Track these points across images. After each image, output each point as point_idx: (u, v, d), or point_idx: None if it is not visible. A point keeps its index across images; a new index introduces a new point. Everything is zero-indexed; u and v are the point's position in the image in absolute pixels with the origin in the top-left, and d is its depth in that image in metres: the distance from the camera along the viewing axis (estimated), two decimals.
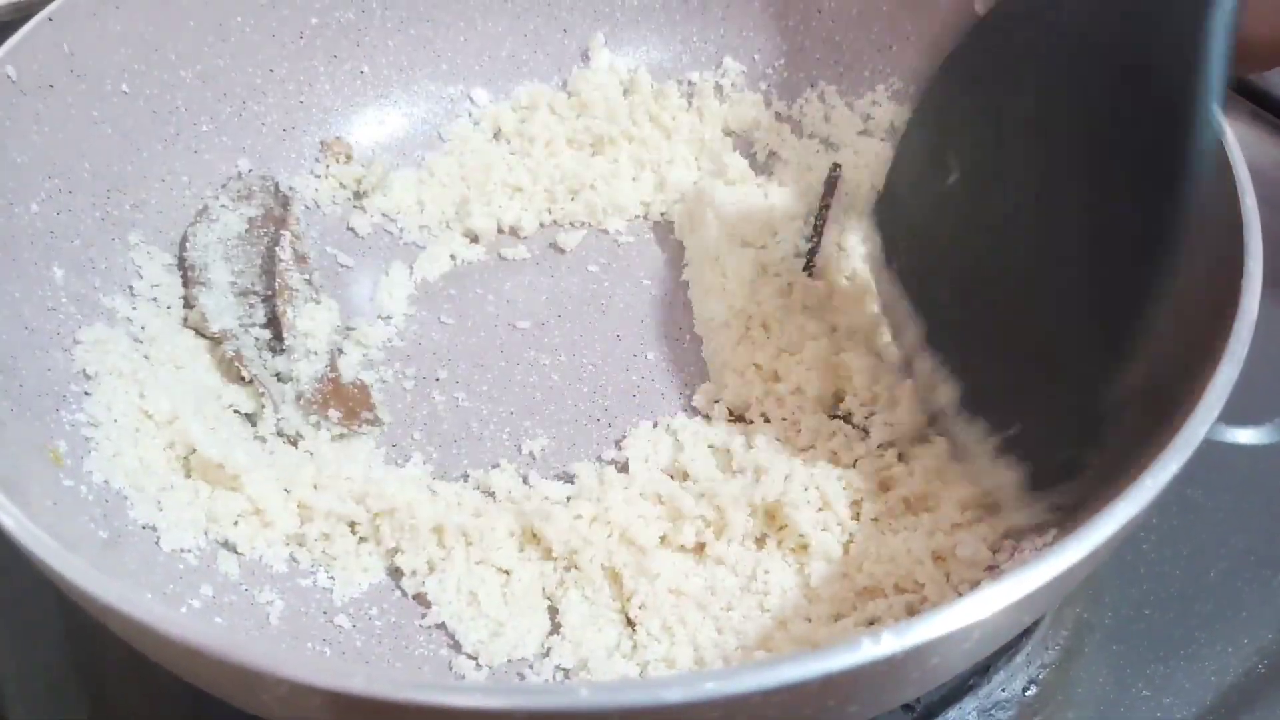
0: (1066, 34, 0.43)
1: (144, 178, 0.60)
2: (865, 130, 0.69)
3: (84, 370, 0.52)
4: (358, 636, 0.49)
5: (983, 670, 0.49)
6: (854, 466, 0.53)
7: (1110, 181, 0.41)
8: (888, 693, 0.37)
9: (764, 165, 0.69)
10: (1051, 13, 0.44)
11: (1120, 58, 0.41)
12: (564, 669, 0.47)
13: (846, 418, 0.56)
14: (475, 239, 0.66)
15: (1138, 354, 0.40)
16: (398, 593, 0.50)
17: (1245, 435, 0.57)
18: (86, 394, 0.52)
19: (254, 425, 0.55)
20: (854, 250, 0.62)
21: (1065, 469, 0.43)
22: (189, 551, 0.49)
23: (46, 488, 0.46)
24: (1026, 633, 0.50)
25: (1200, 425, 0.37)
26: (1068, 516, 0.43)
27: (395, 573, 0.51)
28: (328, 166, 0.66)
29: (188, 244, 0.59)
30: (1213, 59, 0.37)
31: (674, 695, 0.30)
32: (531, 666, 0.47)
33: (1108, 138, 0.41)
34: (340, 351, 0.58)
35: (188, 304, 0.58)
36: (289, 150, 0.66)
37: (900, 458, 0.53)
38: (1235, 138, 0.47)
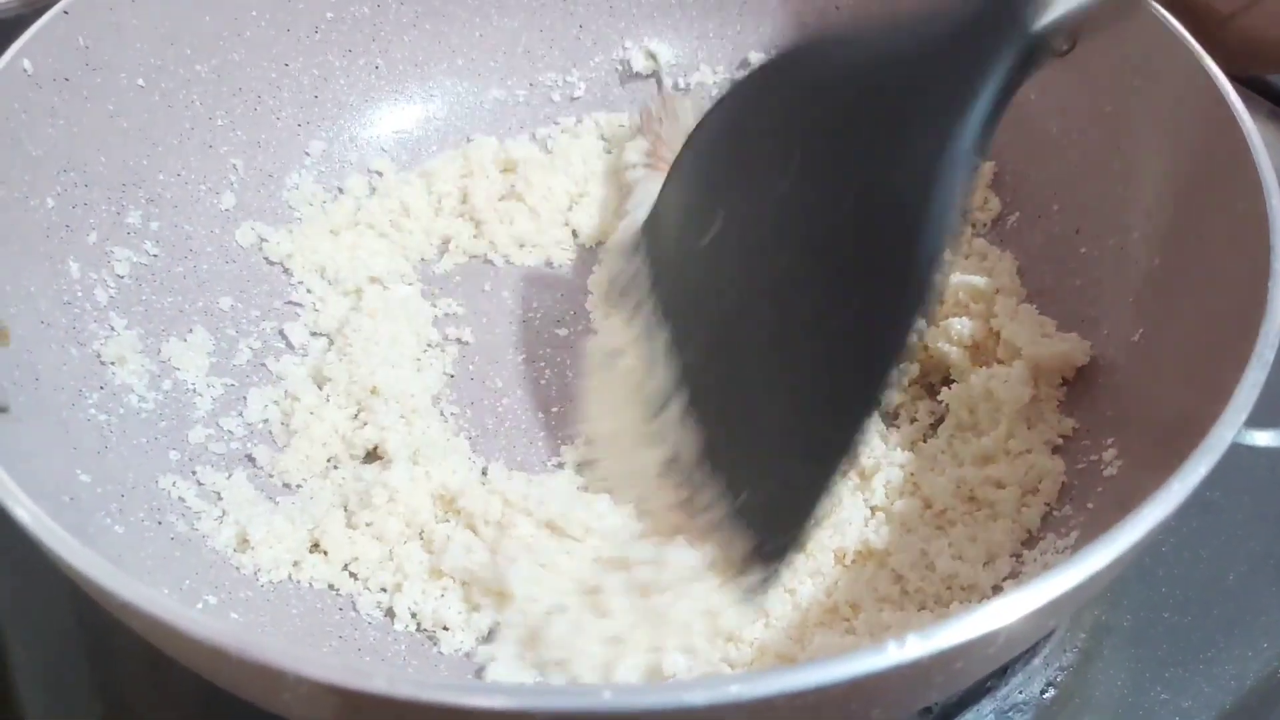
0: (829, 107, 0.42)
1: (158, 172, 0.59)
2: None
3: (99, 358, 0.52)
4: (374, 633, 0.49)
5: (1000, 673, 0.49)
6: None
7: (846, 273, 0.40)
8: (911, 697, 0.37)
9: None
10: (820, 77, 0.43)
11: (872, 149, 0.40)
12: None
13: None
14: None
15: (853, 451, 0.39)
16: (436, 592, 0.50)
17: (1264, 438, 0.57)
18: (102, 388, 0.52)
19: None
20: None
21: (773, 553, 0.42)
22: (206, 548, 0.49)
23: (63, 483, 0.45)
24: (1045, 636, 0.50)
25: (1228, 429, 0.37)
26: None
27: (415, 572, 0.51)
28: None
29: None
30: (943, 186, 0.37)
31: (697, 698, 0.30)
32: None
33: (851, 226, 0.40)
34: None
35: None
36: (303, 146, 0.66)
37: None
38: (1261, 139, 0.47)
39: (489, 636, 0.48)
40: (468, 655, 0.48)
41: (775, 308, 0.43)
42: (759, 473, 0.43)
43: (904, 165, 0.38)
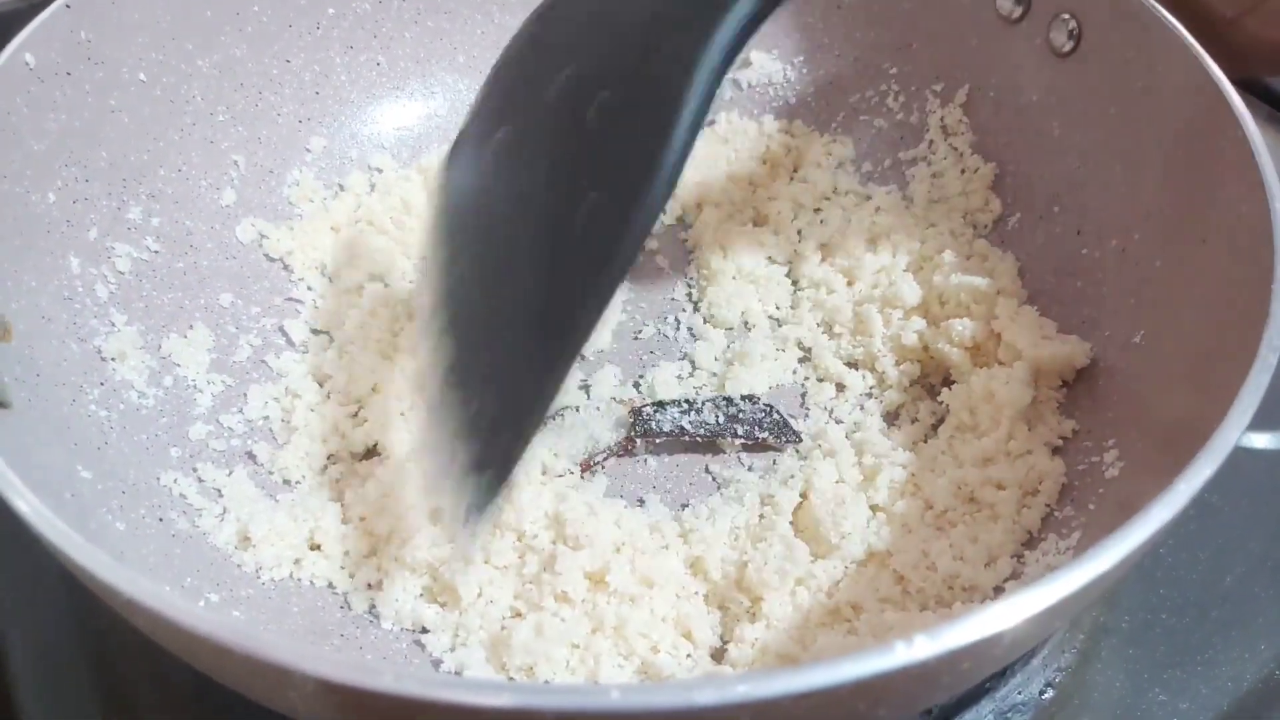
0: (599, 25, 0.46)
1: (159, 167, 0.59)
2: (883, 128, 0.69)
3: (100, 354, 0.52)
4: (373, 632, 0.49)
5: (1000, 673, 0.49)
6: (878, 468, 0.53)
7: (593, 175, 0.42)
8: (917, 697, 0.37)
9: (778, 159, 0.69)
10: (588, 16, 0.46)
11: (631, 53, 0.43)
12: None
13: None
14: None
15: (561, 372, 0.40)
16: (416, 589, 0.50)
17: (1263, 440, 0.57)
18: (102, 384, 0.52)
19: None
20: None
21: (488, 462, 0.42)
22: (207, 545, 0.49)
23: (65, 478, 0.45)
24: (1045, 637, 0.50)
25: (1232, 431, 0.37)
26: None
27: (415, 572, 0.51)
28: None
29: None
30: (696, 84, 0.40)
31: (705, 698, 0.30)
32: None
33: (603, 127, 0.42)
34: None
35: None
36: (304, 142, 0.66)
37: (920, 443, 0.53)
38: (1264, 143, 0.47)
39: (455, 642, 0.48)
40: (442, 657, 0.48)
41: (532, 214, 0.44)
42: (493, 382, 0.44)
43: (661, 65, 0.41)
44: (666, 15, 0.43)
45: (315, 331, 0.61)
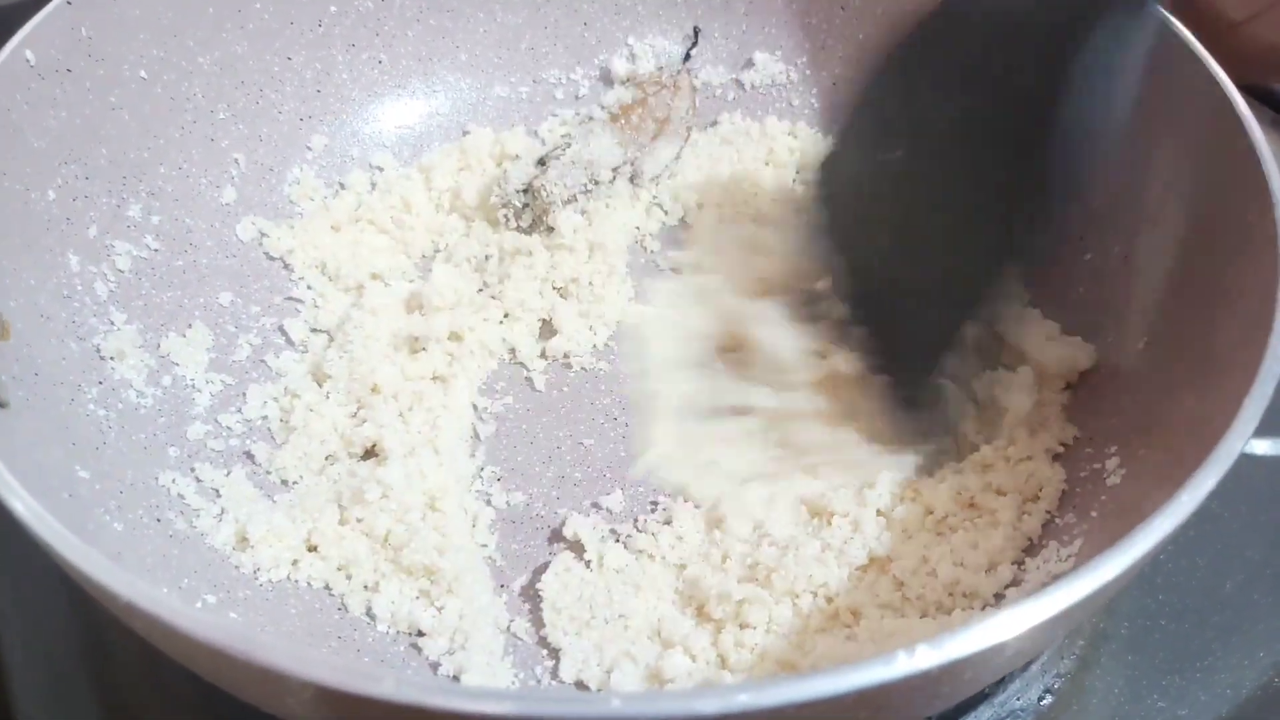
0: (989, 50, 0.50)
1: (159, 164, 0.59)
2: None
3: (99, 353, 0.52)
4: (371, 635, 0.49)
5: (999, 680, 0.49)
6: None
7: (993, 180, 0.49)
8: (918, 705, 0.37)
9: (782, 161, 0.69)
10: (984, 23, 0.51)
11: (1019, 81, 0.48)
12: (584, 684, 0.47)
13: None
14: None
15: (981, 308, 0.52)
16: (413, 591, 0.50)
17: (1263, 446, 0.57)
18: (101, 383, 0.51)
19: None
20: None
21: (919, 393, 0.52)
22: (204, 546, 0.49)
23: (63, 478, 0.45)
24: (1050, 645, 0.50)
25: (1237, 440, 0.37)
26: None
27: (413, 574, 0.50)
28: None
29: None
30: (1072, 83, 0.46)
31: (707, 707, 0.30)
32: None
33: (1008, 151, 0.49)
34: None
35: None
36: (305, 140, 0.66)
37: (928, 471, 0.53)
38: (1270, 149, 0.47)
39: (453, 645, 0.48)
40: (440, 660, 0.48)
41: (931, 197, 0.52)
42: (899, 328, 0.53)
43: (1037, 71, 0.47)
44: (1031, 31, 0.47)
45: (315, 331, 0.60)
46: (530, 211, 0.63)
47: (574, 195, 0.64)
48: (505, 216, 0.64)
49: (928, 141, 0.52)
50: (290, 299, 0.61)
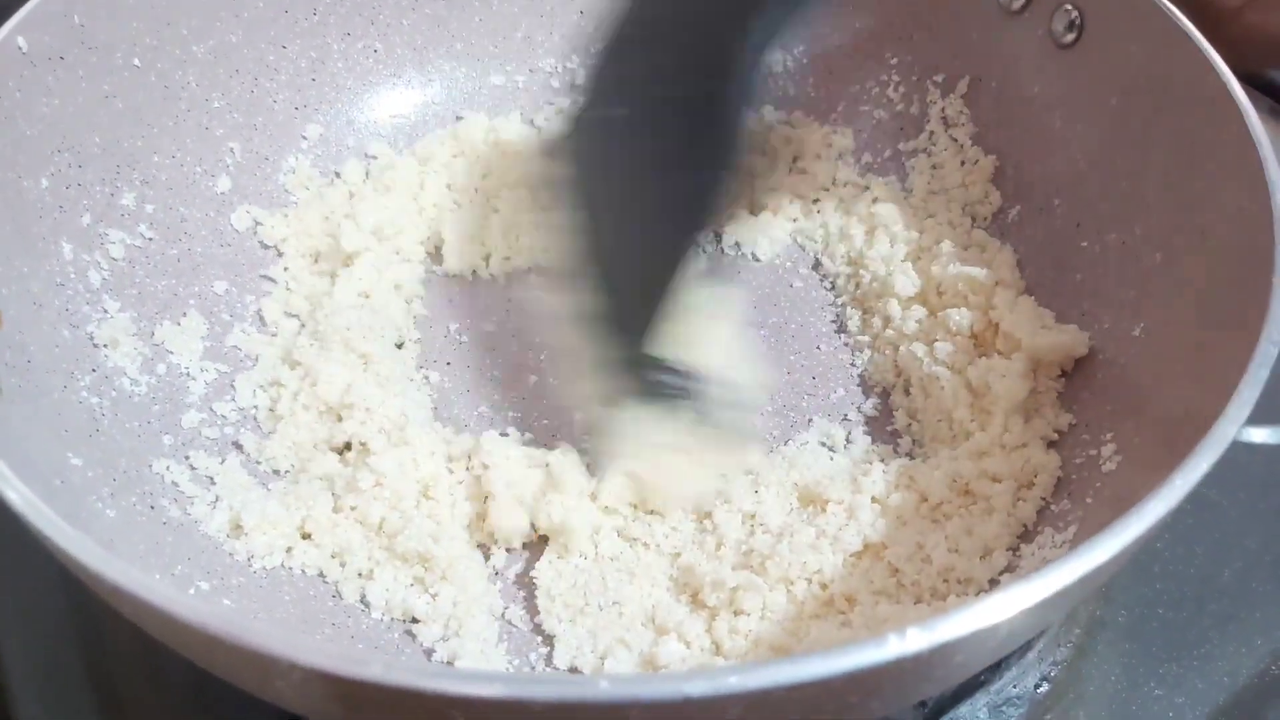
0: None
1: (154, 153, 0.59)
2: (883, 119, 0.68)
3: (92, 341, 0.52)
4: (365, 621, 0.49)
5: (994, 667, 0.49)
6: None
7: (683, 139, 0.53)
8: (910, 689, 0.36)
9: (778, 150, 0.69)
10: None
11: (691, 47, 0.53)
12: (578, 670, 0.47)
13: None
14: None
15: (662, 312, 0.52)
16: (406, 578, 0.50)
17: (1261, 434, 0.57)
18: (94, 370, 0.51)
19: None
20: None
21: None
22: (198, 533, 0.49)
23: (55, 466, 0.45)
24: (1040, 630, 0.50)
25: (1230, 425, 0.37)
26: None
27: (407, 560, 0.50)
28: None
29: None
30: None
31: (696, 689, 0.30)
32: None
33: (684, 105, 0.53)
34: None
35: None
36: (300, 129, 0.65)
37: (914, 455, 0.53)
38: (1266, 137, 0.46)
39: (447, 632, 0.48)
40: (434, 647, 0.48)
41: (646, 182, 0.55)
42: (638, 314, 0.54)
43: (711, 60, 0.52)
44: (711, 17, 0.52)
45: (306, 319, 0.60)
46: None
47: None
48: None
49: (644, 105, 0.55)
50: (284, 287, 0.61)
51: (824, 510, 0.50)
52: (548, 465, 0.52)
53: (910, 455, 0.55)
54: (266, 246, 0.62)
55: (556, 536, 0.50)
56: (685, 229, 0.54)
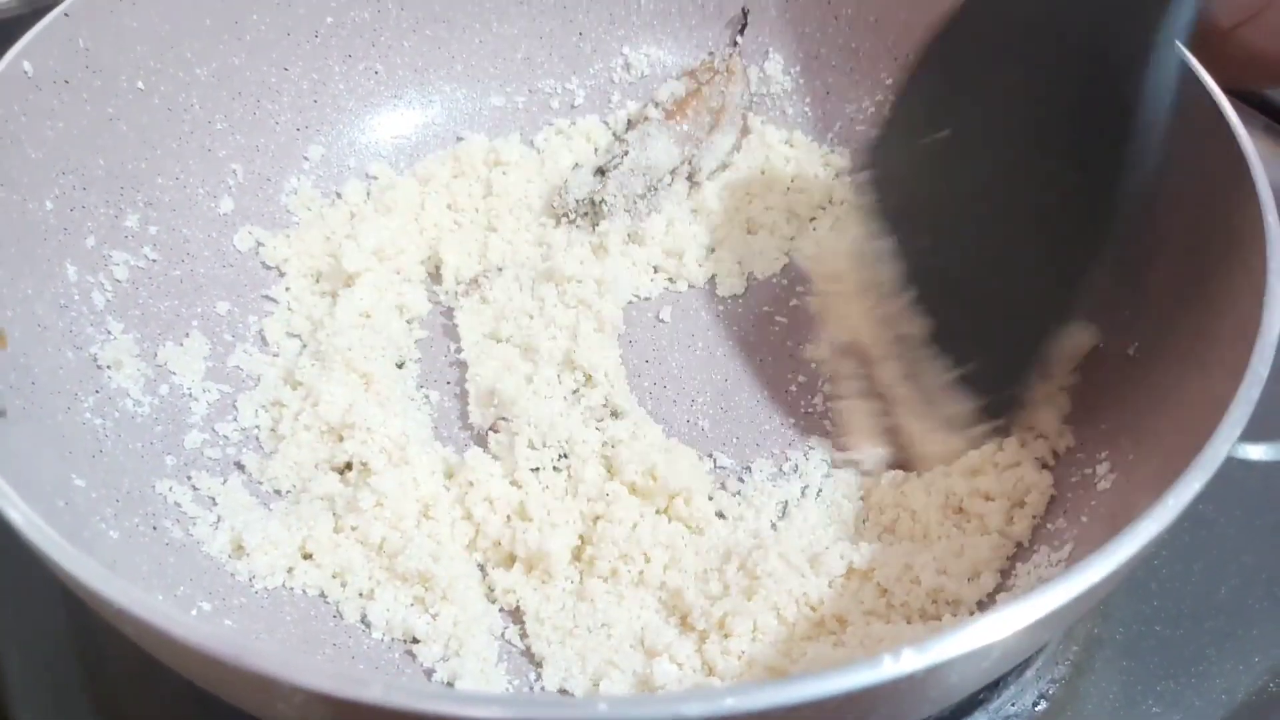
0: (1037, 22, 0.49)
1: (157, 175, 0.59)
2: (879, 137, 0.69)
3: (95, 362, 0.52)
4: (366, 641, 0.49)
5: (993, 685, 0.49)
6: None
7: (1063, 155, 0.48)
8: (905, 710, 0.37)
9: (776, 170, 0.69)
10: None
11: (1078, 45, 0.47)
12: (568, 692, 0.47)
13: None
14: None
15: (1073, 311, 0.48)
16: (407, 598, 0.50)
17: (1257, 451, 0.57)
18: (98, 391, 0.52)
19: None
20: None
21: (1004, 405, 0.51)
22: (200, 554, 0.49)
23: (59, 487, 0.45)
24: (1038, 649, 0.50)
25: (1222, 444, 0.37)
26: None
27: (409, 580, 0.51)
28: None
29: None
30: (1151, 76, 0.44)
31: (693, 710, 0.30)
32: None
33: (1066, 118, 0.47)
34: None
35: None
36: (302, 150, 0.66)
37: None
38: (1259, 156, 0.47)
39: (447, 652, 0.48)
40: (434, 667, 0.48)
41: (996, 200, 0.51)
42: (985, 343, 0.51)
43: (1111, 62, 0.45)
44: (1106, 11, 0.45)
45: (308, 339, 0.60)
46: (590, 219, 0.64)
47: (633, 202, 0.65)
48: (563, 220, 0.65)
49: (975, 124, 0.52)
50: (285, 308, 0.62)
51: (811, 531, 0.51)
52: (523, 490, 0.52)
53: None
54: (268, 267, 0.63)
55: (537, 562, 0.50)
56: (1075, 249, 0.47)
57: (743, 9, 0.71)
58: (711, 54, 0.71)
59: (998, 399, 0.50)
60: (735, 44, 0.70)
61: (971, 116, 0.52)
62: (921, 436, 0.54)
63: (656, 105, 0.69)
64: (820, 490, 0.54)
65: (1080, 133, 0.47)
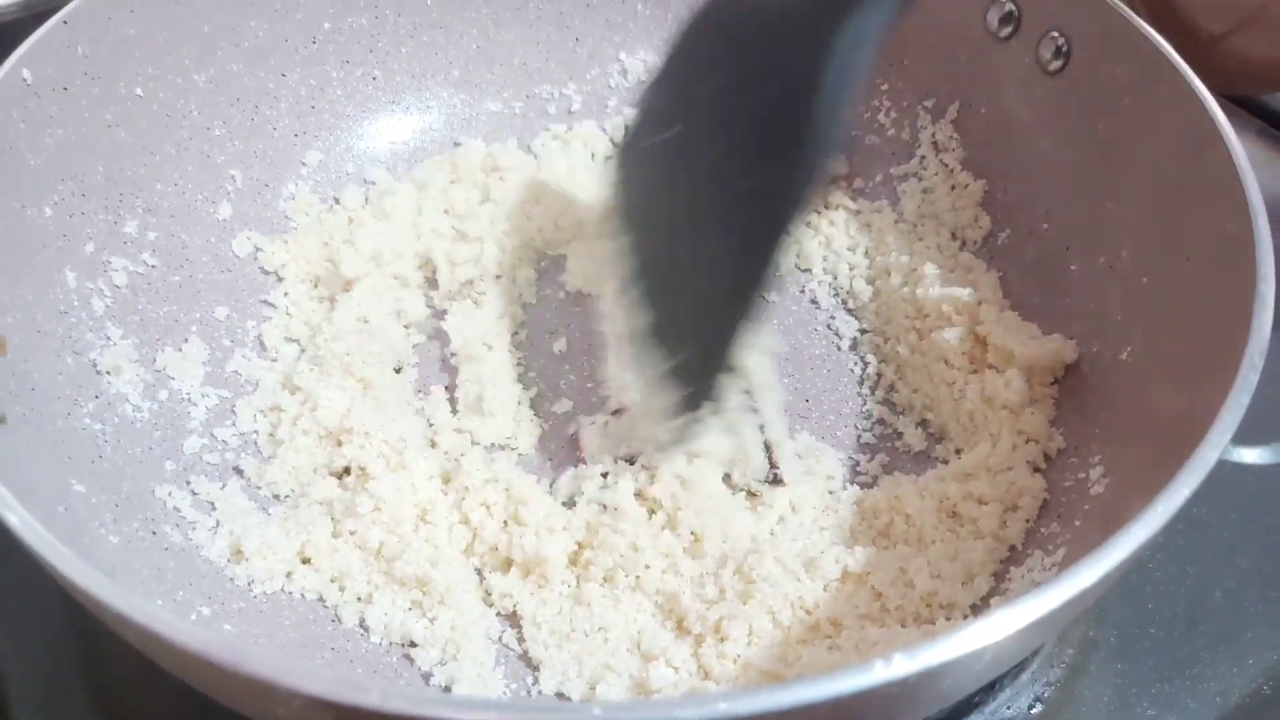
0: (753, 19, 0.51)
1: (156, 181, 0.59)
2: (875, 144, 0.69)
3: (95, 368, 0.52)
4: (365, 646, 0.49)
5: (988, 688, 0.50)
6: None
7: (758, 150, 0.49)
8: (899, 713, 0.37)
9: None
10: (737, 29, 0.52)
11: (775, 41, 0.49)
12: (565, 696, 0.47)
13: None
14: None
15: (755, 308, 0.49)
16: (405, 603, 0.50)
17: (1251, 455, 0.58)
18: (97, 397, 0.52)
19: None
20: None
21: (700, 397, 0.52)
22: (199, 558, 0.49)
23: (58, 492, 0.46)
24: (1033, 651, 0.50)
25: (1213, 449, 0.37)
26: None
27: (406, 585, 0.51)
28: None
29: None
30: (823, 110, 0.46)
31: (686, 714, 0.30)
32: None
33: (761, 112, 0.49)
34: None
35: None
36: (300, 156, 0.66)
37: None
38: (1248, 159, 0.47)
39: (444, 656, 0.48)
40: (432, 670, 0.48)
41: (702, 195, 0.53)
42: (690, 337, 0.53)
43: (796, 69, 0.47)
44: (791, 24, 0.48)
45: (306, 344, 0.61)
46: None
47: None
48: None
49: (700, 123, 0.53)
50: (284, 313, 0.62)
51: (806, 535, 0.51)
52: (512, 493, 0.53)
53: (913, 471, 0.55)
54: (267, 272, 0.63)
55: (534, 566, 0.51)
56: (762, 238, 0.49)
57: None
58: None
59: (696, 391, 0.52)
60: None
61: (695, 114, 0.54)
62: (647, 431, 0.55)
63: None
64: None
65: (770, 127, 0.49)
